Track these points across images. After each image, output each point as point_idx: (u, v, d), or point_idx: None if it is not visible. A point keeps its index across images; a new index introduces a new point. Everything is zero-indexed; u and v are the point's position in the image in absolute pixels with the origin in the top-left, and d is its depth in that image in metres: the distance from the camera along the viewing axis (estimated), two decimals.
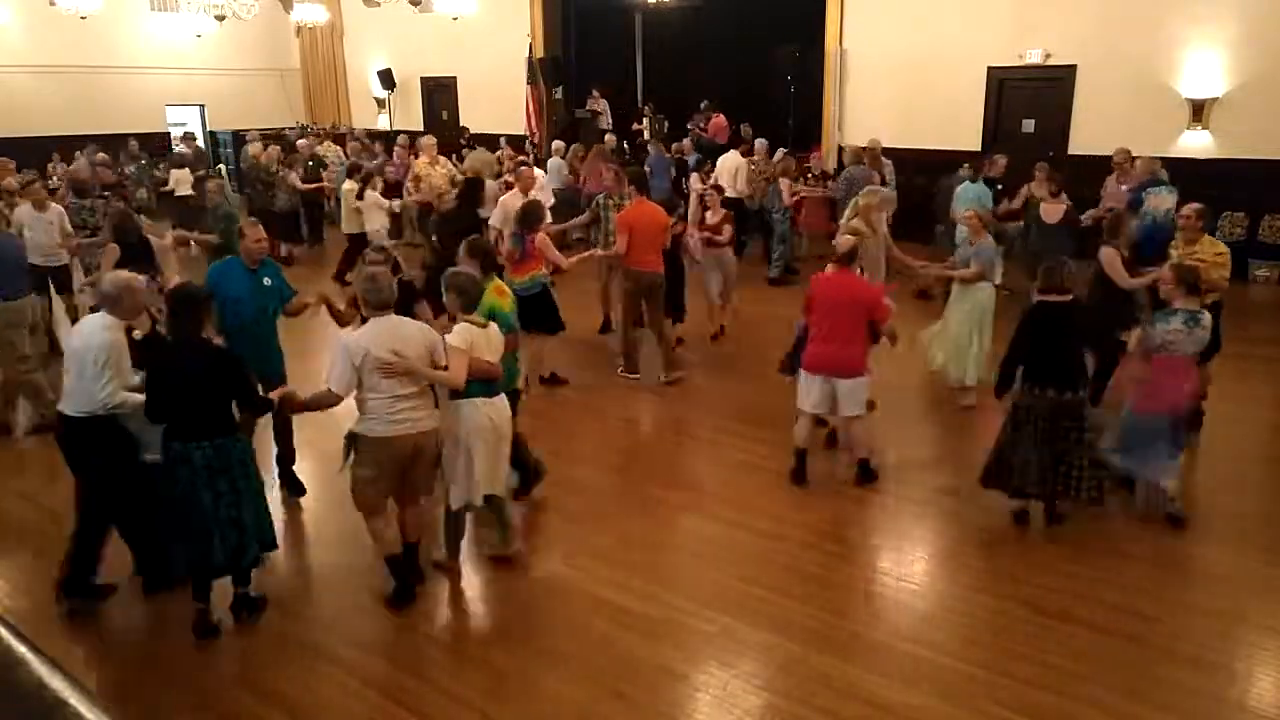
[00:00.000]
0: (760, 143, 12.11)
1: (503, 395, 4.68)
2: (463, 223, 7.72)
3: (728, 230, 8.46)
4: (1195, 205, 6.30)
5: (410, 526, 4.59)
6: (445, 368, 4.29)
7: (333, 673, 4.01)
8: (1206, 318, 5.08)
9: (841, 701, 3.75)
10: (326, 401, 4.28)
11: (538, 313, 6.96)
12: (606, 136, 14.29)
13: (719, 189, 9.26)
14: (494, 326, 4.61)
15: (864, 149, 11.08)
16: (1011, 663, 3.98)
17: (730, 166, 11.45)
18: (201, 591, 4.20)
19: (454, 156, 13.87)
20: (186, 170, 13.64)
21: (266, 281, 5.34)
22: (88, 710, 1.02)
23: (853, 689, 3.83)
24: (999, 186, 10.21)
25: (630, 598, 4.55)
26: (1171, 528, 5.13)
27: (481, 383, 4.46)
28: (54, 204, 8.52)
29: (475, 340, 4.41)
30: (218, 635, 4.24)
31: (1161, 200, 8.27)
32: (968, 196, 9.32)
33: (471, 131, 16.70)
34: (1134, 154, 9.39)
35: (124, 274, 4.49)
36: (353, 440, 4.31)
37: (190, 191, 12.93)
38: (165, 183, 14.01)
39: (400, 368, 4.13)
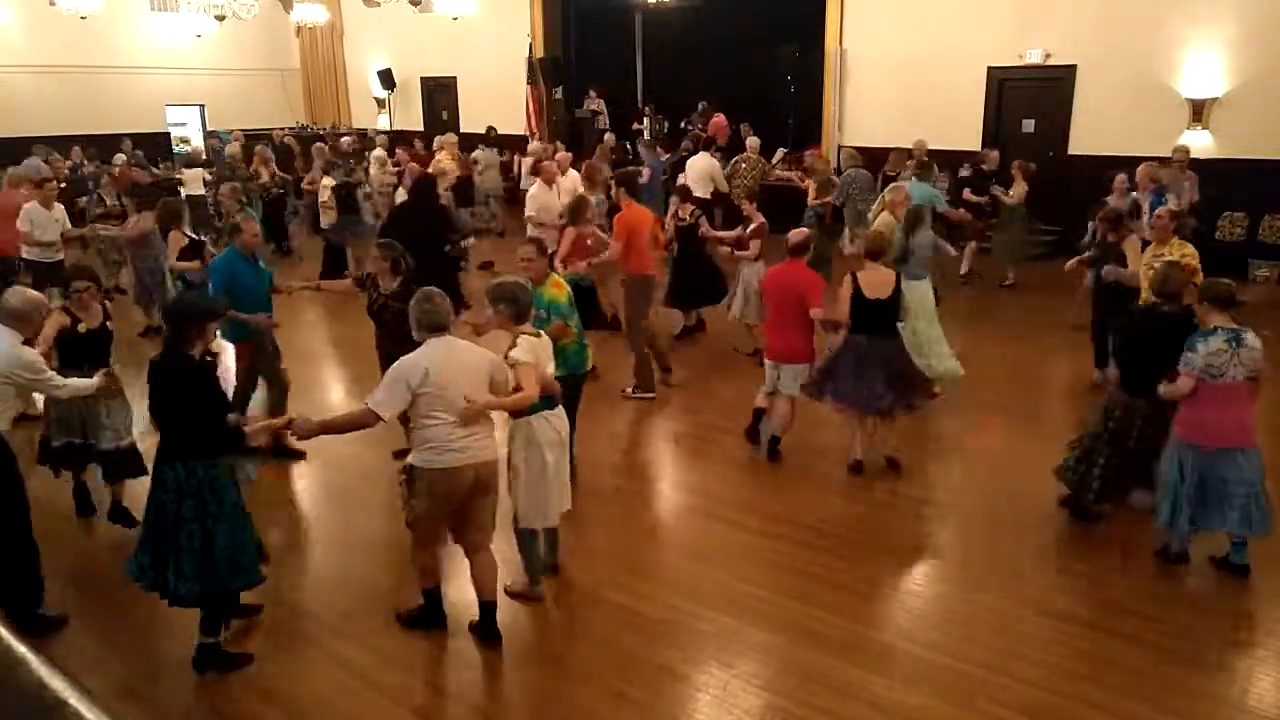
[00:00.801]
0: (752, 141, 12.17)
1: (561, 406, 4.47)
2: (417, 221, 7.89)
3: (754, 244, 7.99)
4: (1169, 208, 6.45)
5: (485, 580, 4.14)
6: (518, 388, 3.99)
7: (332, 672, 4.01)
8: (1253, 337, 4.42)
9: (842, 702, 3.75)
10: (361, 423, 3.90)
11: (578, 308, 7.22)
12: (605, 136, 14.30)
13: (684, 190, 8.98)
14: (544, 336, 4.42)
15: (858, 150, 11.43)
16: (1011, 663, 3.98)
17: (701, 168, 11.52)
18: (210, 624, 4.00)
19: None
20: (199, 169, 13.69)
21: (261, 264, 6.33)
22: (88, 710, 1.02)
23: (853, 689, 3.83)
24: (993, 180, 10.46)
25: (630, 598, 4.55)
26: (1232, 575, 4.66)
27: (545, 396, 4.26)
28: (57, 203, 8.90)
29: (539, 353, 4.20)
30: (225, 666, 4.03)
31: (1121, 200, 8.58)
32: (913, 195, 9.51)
33: (470, 131, 16.71)
34: (1141, 157, 9.50)
35: (34, 293, 4.50)
36: (410, 474, 3.98)
37: (201, 190, 13.29)
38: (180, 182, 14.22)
39: (475, 413, 3.84)
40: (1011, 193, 10.23)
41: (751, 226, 8.09)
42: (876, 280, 5.68)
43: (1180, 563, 4.74)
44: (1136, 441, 4.84)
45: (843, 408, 5.82)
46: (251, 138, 15.64)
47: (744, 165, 11.80)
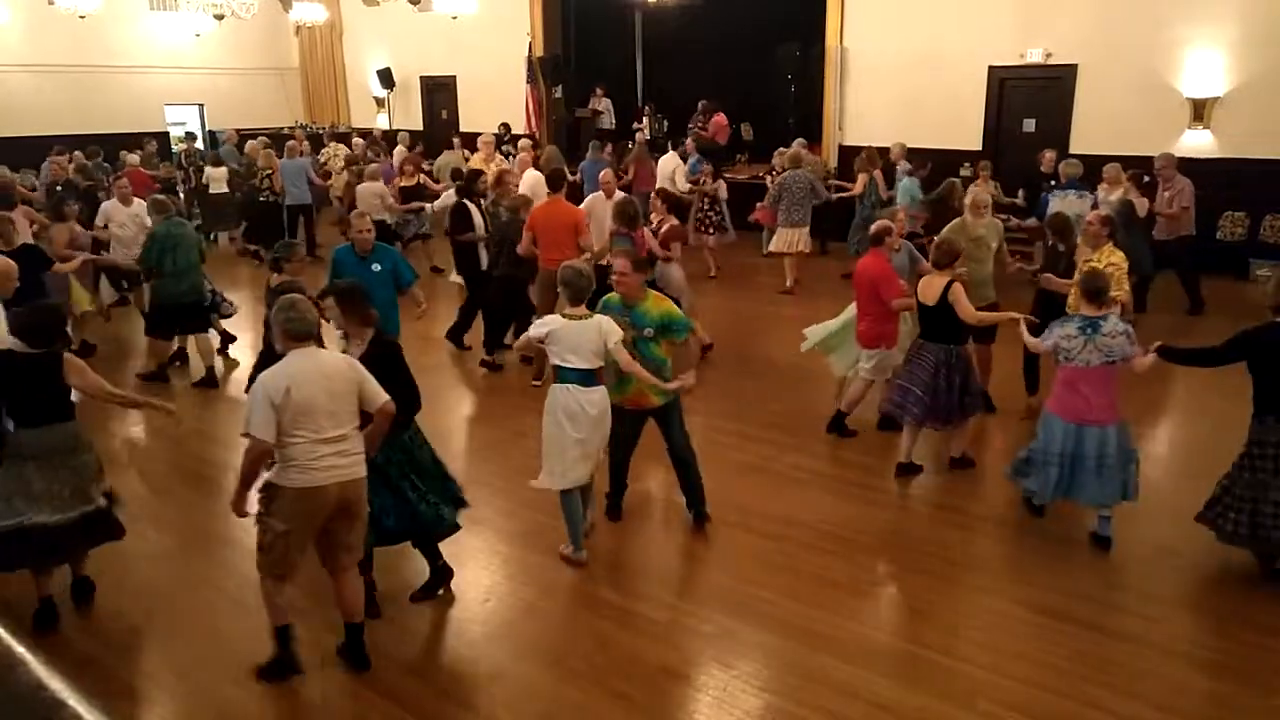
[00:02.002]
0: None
1: (602, 388, 4.65)
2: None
3: (675, 247, 7.91)
4: (1100, 213, 6.47)
5: (352, 602, 3.98)
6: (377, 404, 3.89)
7: (332, 672, 4.00)
8: (1113, 324, 4.78)
9: (842, 701, 3.75)
10: (258, 457, 3.66)
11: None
12: (637, 136, 14.36)
13: (664, 193, 8.83)
14: (599, 320, 4.60)
15: (805, 149, 11.70)
16: (1011, 663, 3.98)
17: (668, 168, 11.95)
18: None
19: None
20: (223, 168, 13.77)
21: (375, 268, 6.09)
22: (87, 710, 1.02)
23: (853, 689, 3.83)
24: (1051, 183, 10.21)
25: (630, 598, 4.55)
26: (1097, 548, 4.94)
27: (579, 370, 4.54)
28: (137, 199, 8.94)
29: (556, 331, 4.54)
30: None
31: (1070, 204, 8.48)
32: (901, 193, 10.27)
33: (470, 130, 16.69)
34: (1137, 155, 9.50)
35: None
36: (269, 492, 3.75)
37: (224, 189, 13.56)
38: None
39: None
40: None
41: (663, 230, 7.92)
42: (929, 286, 5.70)
43: (1036, 514, 5.23)
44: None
45: (928, 424, 5.76)
46: (245, 136, 15.66)
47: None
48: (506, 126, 15.84)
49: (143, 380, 7.89)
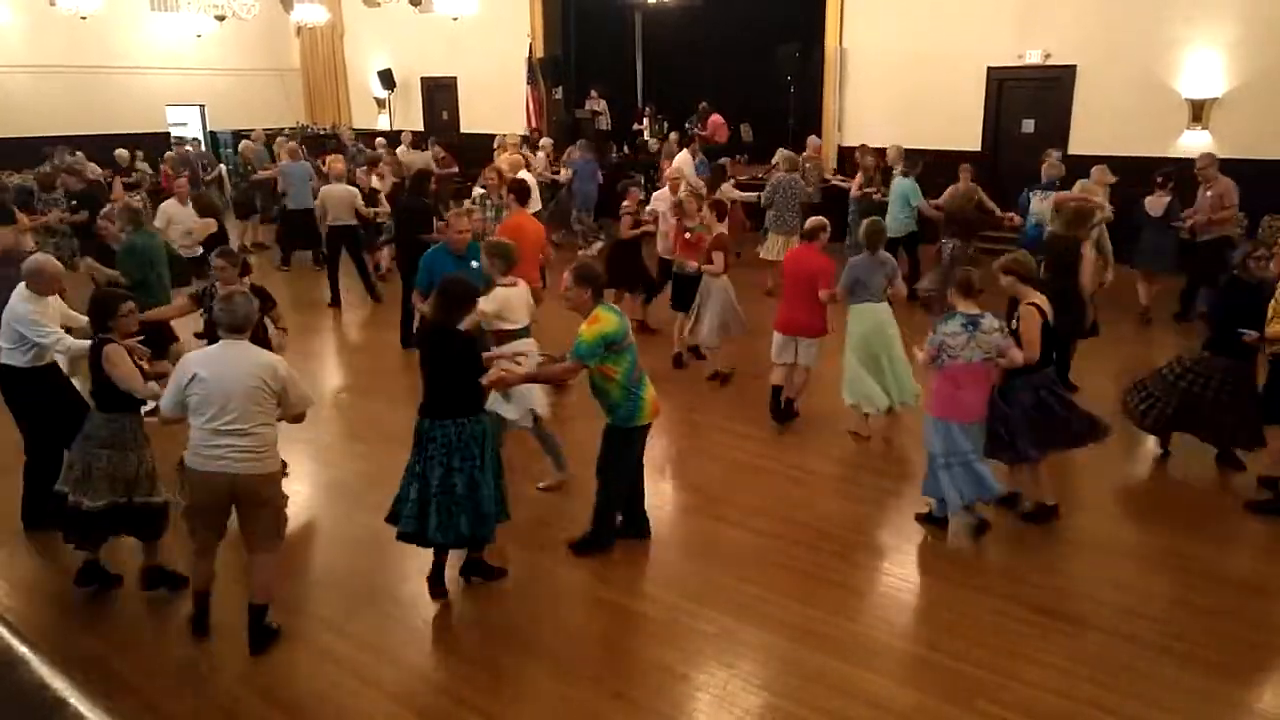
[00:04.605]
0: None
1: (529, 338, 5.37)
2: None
3: (718, 258, 7.45)
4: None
5: (256, 581, 4.13)
6: (294, 407, 4.05)
7: (332, 671, 4.01)
8: (990, 321, 4.85)
9: (841, 701, 3.75)
10: (164, 423, 4.03)
11: (691, 294, 7.74)
12: (670, 135, 14.37)
13: (708, 199, 8.86)
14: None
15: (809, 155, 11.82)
16: (1011, 663, 3.99)
17: (685, 168, 11.85)
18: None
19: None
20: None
21: (474, 265, 6.17)
22: (88, 710, 1.02)
23: (853, 689, 3.83)
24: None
25: (630, 598, 4.55)
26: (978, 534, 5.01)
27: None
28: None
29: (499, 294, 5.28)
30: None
31: (1050, 204, 8.43)
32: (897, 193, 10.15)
33: (470, 131, 16.72)
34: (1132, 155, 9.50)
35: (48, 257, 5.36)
36: (181, 468, 4.01)
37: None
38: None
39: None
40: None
41: (708, 239, 7.53)
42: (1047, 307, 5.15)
43: (937, 524, 5.13)
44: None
45: (1046, 452, 5.22)
46: (238, 136, 15.66)
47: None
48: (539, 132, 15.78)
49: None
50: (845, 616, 4.39)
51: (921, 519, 5.26)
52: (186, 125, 18.95)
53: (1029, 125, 12.56)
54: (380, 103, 19.80)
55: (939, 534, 5.04)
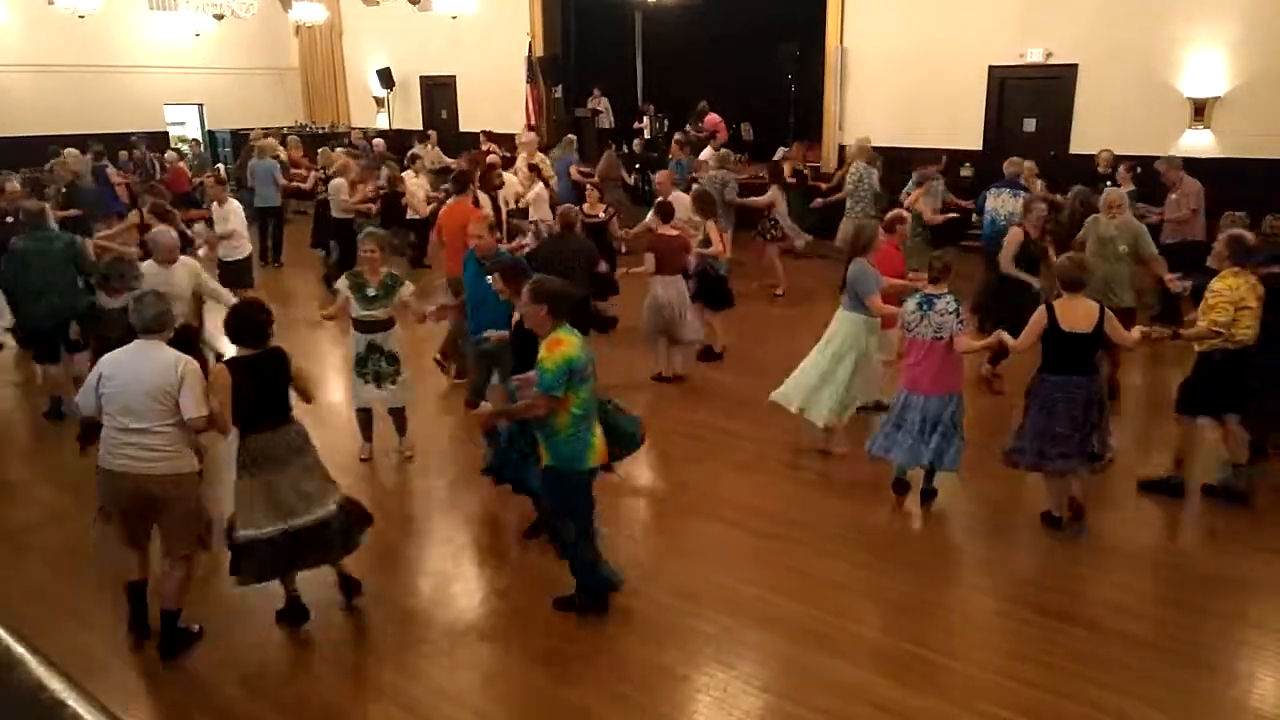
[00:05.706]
0: None
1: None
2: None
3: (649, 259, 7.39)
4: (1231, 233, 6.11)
5: (163, 589, 4.05)
6: (209, 412, 3.94)
7: (329, 673, 4.00)
8: (946, 303, 5.09)
9: (841, 702, 3.75)
10: (89, 427, 4.03)
11: (718, 291, 8.08)
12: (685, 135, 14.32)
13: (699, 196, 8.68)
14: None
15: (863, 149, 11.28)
16: (1012, 663, 3.98)
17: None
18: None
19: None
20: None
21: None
22: (87, 710, 1.02)
23: (853, 689, 3.82)
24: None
25: (630, 598, 4.54)
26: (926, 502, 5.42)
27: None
28: (232, 199, 9.31)
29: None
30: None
31: (1004, 202, 8.60)
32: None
33: (469, 130, 16.70)
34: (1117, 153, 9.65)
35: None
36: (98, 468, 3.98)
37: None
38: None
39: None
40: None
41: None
42: (1079, 311, 4.87)
43: (901, 491, 5.54)
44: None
45: (1065, 466, 5.00)
46: (236, 135, 15.67)
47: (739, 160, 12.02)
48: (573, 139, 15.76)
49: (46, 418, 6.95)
50: (845, 616, 4.38)
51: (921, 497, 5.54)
52: (185, 124, 18.94)
53: (1030, 124, 12.54)
54: (379, 102, 19.78)
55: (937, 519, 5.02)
